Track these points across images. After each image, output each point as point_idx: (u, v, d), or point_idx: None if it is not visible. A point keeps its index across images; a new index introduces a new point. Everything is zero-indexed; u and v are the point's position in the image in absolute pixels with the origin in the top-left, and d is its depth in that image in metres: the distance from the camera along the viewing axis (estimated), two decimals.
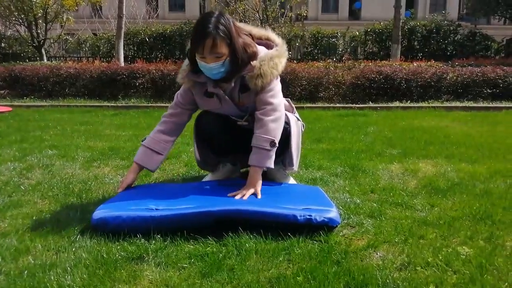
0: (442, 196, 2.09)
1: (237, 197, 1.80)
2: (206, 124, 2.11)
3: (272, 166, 1.93)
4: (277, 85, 2.00)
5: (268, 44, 2.02)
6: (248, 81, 1.91)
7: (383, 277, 1.29)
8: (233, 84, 1.95)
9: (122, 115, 6.07)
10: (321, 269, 1.33)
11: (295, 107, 2.33)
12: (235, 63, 1.86)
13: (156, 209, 1.66)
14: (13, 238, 1.60)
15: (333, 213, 1.66)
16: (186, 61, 2.01)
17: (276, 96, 1.97)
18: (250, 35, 1.97)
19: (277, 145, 1.91)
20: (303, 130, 2.30)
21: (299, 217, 1.60)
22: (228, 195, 1.84)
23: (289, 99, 2.28)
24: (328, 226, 1.62)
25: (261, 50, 1.95)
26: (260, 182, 1.90)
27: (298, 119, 2.20)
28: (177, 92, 2.15)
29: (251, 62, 1.89)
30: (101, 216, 1.63)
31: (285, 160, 2.14)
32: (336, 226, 1.65)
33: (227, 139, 2.14)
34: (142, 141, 2.08)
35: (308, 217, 1.61)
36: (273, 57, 1.93)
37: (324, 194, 1.97)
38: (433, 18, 14.94)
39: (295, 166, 2.16)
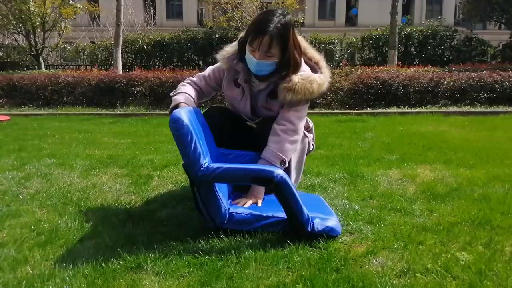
0: (440, 202, 2.10)
1: (239, 204, 1.80)
2: (212, 117, 2.07)
3: None
4: (305, 109, 1.99)
5: (315, 68, 2.01)
6: (279, 91, 1.90)
7: (382, 284, 1.29)
8: (264, 86, 1.97)
9: (121, 123, 6.07)
10: (320, 276, 1.33)
11: None
12: (281, 68, 1.88)
13: (206, 161, 1.65)
14: (11, 248, 1.59)
15: (335, 223, 1.67)
16: (233, 44, 2.01)
17: (301, 119, 1.97)
18: (301, 51, 1.96)
19: (286, 165, 1.91)
20: (311, 150, 2.25)
21: (310, 222, 1.61)
22: (232, 202, 1.84)
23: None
24: (328, 236, 1.62)
25: (305, 69, 1.95)
26: (263, 193, 1.89)
27: (306, 136, 2.13)
28: (211, 67, 2.16)
29: (292, 75, 1.88)
30: (180, 117, 1.61)
31: None
32: (337, 236, 1.65)
33: (231, 133, 2.12)
34: (174, 95, 2.01)
35: (312, 224, 1.61)
36: (313, 81, 1.90)
37: (325, 203, 1.97)
38: (429, 24, 15.01)
39: (294, 182, 2.10)
